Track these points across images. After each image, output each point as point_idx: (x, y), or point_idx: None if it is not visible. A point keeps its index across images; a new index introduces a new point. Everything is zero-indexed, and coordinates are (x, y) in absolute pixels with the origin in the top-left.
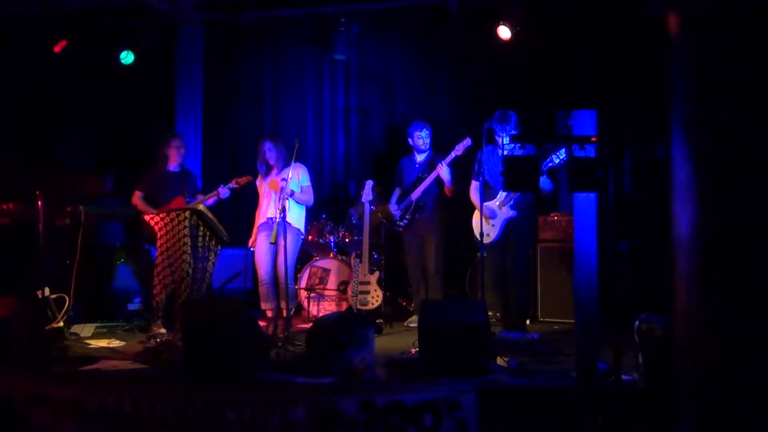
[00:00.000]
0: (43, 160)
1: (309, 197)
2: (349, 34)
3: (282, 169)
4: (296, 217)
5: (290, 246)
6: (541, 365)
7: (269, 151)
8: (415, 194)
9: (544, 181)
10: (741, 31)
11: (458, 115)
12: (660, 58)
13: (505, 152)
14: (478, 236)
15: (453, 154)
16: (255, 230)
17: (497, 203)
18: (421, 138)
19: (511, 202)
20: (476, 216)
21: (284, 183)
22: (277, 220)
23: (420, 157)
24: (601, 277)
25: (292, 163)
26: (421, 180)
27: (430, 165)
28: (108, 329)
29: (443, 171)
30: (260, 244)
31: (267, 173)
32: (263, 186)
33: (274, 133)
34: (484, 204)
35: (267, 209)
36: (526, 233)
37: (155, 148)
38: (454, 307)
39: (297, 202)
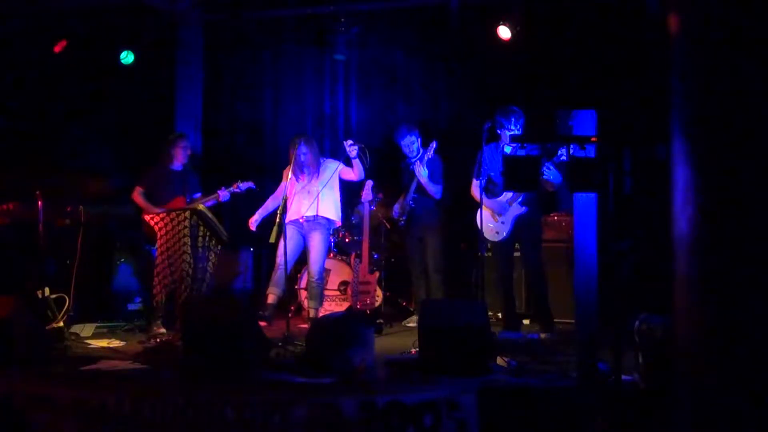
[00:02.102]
0: (43, 160)
1: (360, 167)
2: (349, 34)
3: (319, 166)
4: (334, 209)
5: (320, 245)
6: (541, 365)
7: (305, 155)
8: (409, 196)
9: (555, 175)
10: (740, 31)
11: (458, 115)
12: (660, 59)
13: (509, 149)
14: (485, 234)
15: (425, 157)
16: (277, 225)
17: (507, 199)
18: (407, 146)
19: (521, 198)
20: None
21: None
22: (278, 220)
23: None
24: (601, 277)
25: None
26: (411, 182)
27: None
28: (108, 329)
29: (419, 170)
30: (287, 241)
31: (299, 173)
32: (295, 186)
33: (306, 135)
34: (495, 200)
35: (298, 208)
36: (537, 229)
37: (160, 147)
38: (454, 307)
39: (356, 170)
